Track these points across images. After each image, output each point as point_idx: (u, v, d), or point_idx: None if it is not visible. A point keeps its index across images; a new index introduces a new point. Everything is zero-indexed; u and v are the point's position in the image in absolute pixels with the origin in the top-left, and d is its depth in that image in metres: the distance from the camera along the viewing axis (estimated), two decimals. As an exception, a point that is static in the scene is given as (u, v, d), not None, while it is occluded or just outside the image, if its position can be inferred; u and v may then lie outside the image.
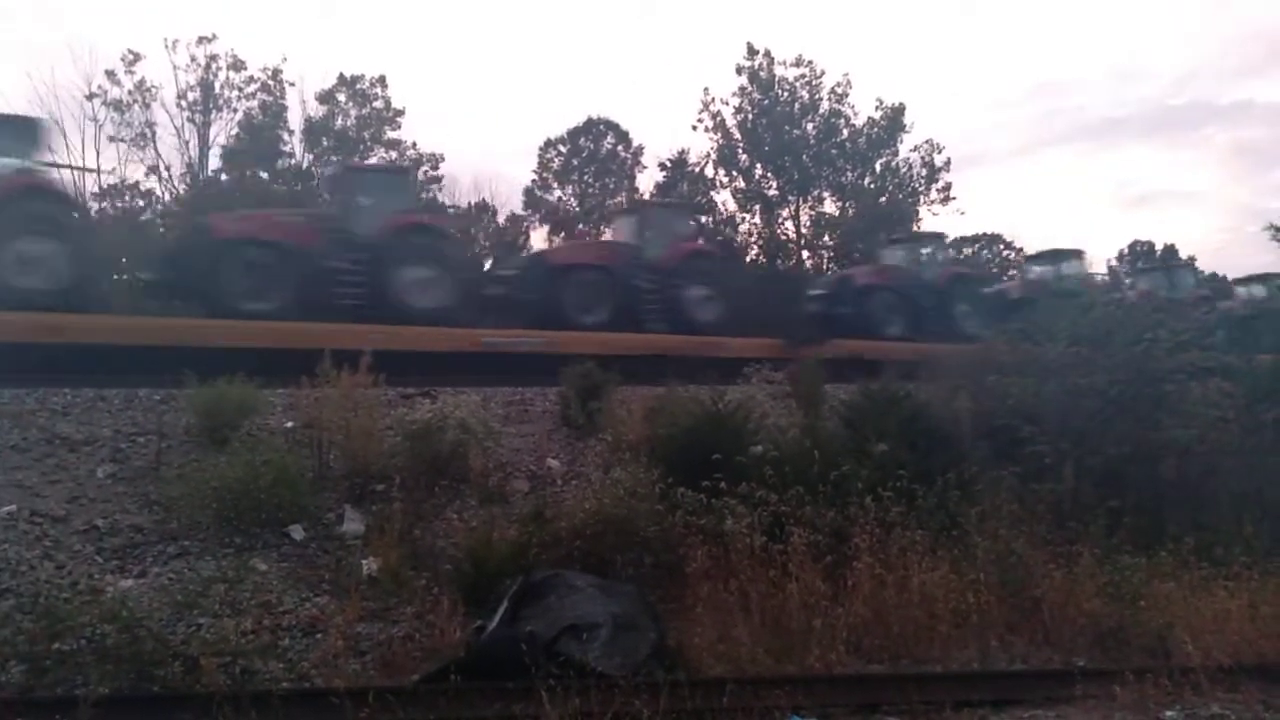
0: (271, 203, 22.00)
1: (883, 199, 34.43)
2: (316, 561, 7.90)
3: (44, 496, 8.30)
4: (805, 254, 34.56)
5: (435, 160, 32.48)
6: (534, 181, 35.77)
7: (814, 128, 34.37)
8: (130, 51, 27.71)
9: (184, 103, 28.66)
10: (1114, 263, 37.60)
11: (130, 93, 27.74)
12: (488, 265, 22.54)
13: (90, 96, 27.02)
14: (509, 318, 16.13)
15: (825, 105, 34.52)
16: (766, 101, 34.11)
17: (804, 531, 7.42)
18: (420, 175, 32.30)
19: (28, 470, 8.70)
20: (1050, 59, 70.08)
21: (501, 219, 33.94)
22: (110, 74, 27.49)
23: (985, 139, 62.74)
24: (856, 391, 10.95)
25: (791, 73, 34.51)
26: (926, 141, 35.14)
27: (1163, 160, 70.85)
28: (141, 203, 28.32)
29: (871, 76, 75.65)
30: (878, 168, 34.94)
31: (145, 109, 27.97)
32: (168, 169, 28.51)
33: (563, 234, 33.37)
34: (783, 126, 33.79)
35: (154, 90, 28.04)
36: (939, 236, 24.32)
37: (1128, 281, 26.43)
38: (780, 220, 35.16)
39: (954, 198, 35.09)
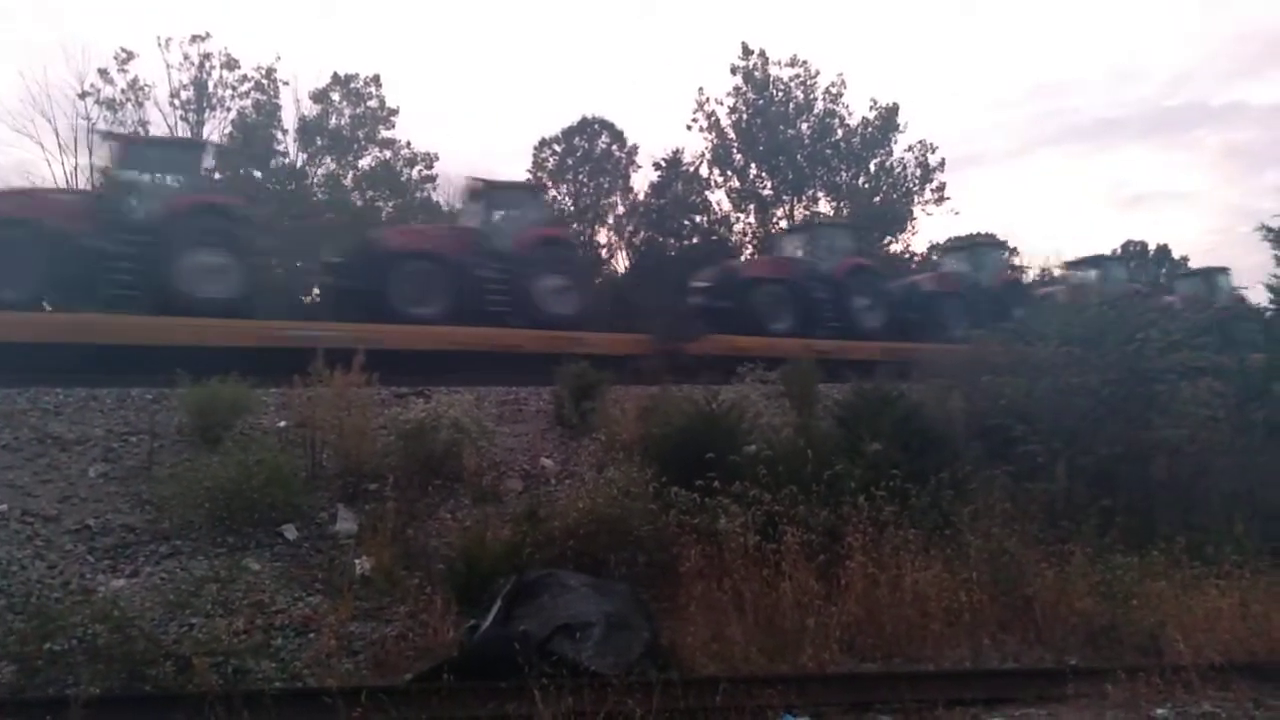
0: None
1: (877, 199, 34.51)
2: (309, 561, 7.89)
3: (35, 496, 8.28)
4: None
5: (429, 159, 32.43)
6: (528, 180, 35.74)
7: (808, 127, 34.45)
8: (123, 50, 27.67)
9: (177, 101, 28.61)
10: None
11: (123, 91, 27.68)
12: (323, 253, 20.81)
13: (83, 95, 26.96)
14: (338, 309, 15.26)
15: (820, 105, 34.61)
16: (761, 101, 34.17)
17: (797, 531, 7.43)
18: (414, 174, 32.30)
19: (19, 470, 8.67)
20: (1046, 60, 70.31)
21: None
22: (103, 72, 27.43)
23: (980, 139, 62.93)
24: (850, 391, 10.96)
25: (786, 72, 34.60)
26: (920, 142, 35.27)
27: (1157, 161, 71.17)
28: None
29: (866, 76, 75.81)
30: (872, 168, 35.03)
31: (138, 108, 27.91)
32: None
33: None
34: (777, 126, 33.85)
35: (147, 89, 27.98)
36: (847, 226, 23.21)
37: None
38: (775, 220, 35.19)
39: (948, 198, 35.24)
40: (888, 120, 34.77)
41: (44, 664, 5.82)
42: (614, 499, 7.81)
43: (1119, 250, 41.36)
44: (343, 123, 31.40)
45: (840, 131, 34.65)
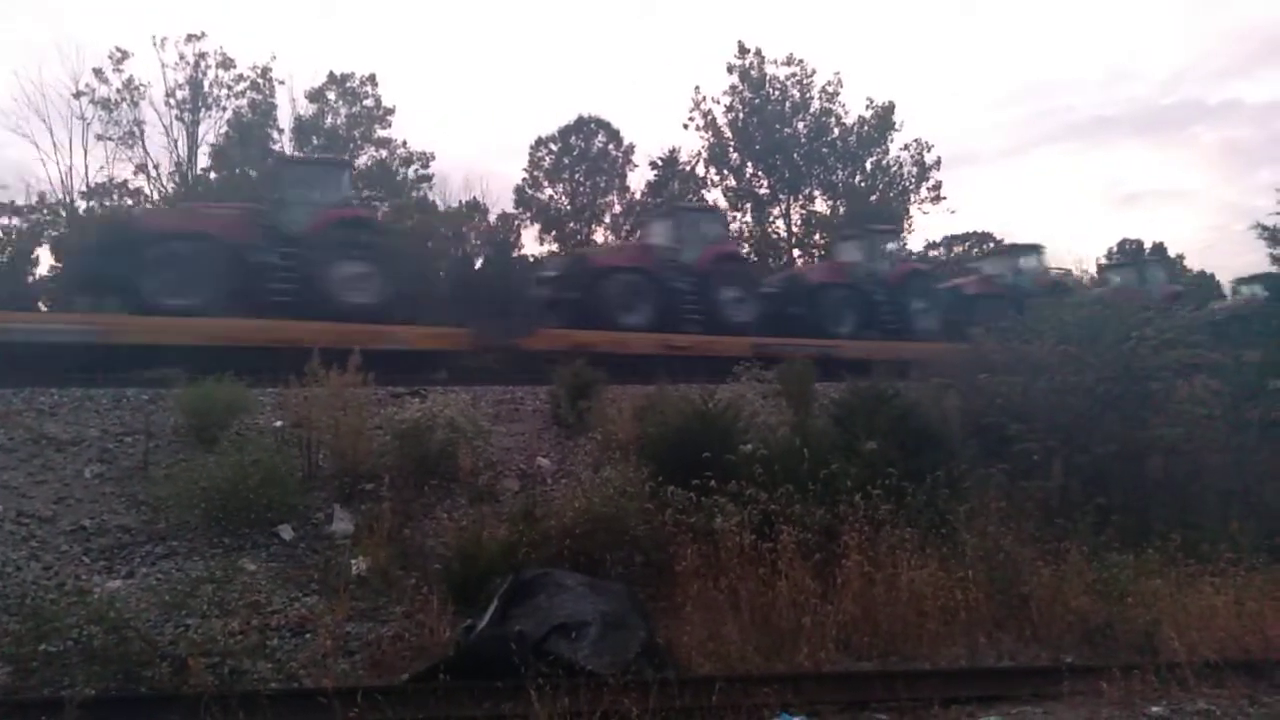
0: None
1: (873, 197, 34.56)
2: (305, 561, 7.88)
3: (31, 497, 8.26)
4: (796, 252, 34.65)
5: (426, 159, 32.45)
6: (525, 180, 35.77)
7: (805, 126, 34.52)
8: (118, 49, 27.72)
9: (172, 101, 28.62)
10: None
11: (118, 91, 27.71)
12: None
13: (78, 94, 26.98)
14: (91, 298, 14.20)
15: (816, 104, 34.69)
16: (758, 100, 34.21)
17: (793, 529, 7.43)
18: (410, 173, 32.29)
19: (14, 470, 8.65)
20: (1041, 59, 70.44)
21: (493, 217, 33.93)
22: (98, 72, 27.44)
23: (976, 138, 63.03)
24: (846, 390, 10.97)
25: (782, 71, 34.68)
26: (916, 140, 35.33)
27: (1152, 159, 71.33)
28: (130, 201, 28.20)
29: (862, 75, 75.87)
30: (868, 166, 35.11)
31: (134, 107, 27.94)
32: (156, 167, 28.42)
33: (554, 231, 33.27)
34: (774, 125, 33.90)
35: (142, 88, 28.02)
36: (714, 211, 22.21)
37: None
38: (771, 219, 35.26)
39: (944, 196, 35.33)
40: (884, 119, 34.84)
41: (39, 665, 5.80)
42: (610, 498, 7.80)
43: (1115, 249, 41.56)
44: (339, 122, 31.44)
45: (836, 130, 34.74)
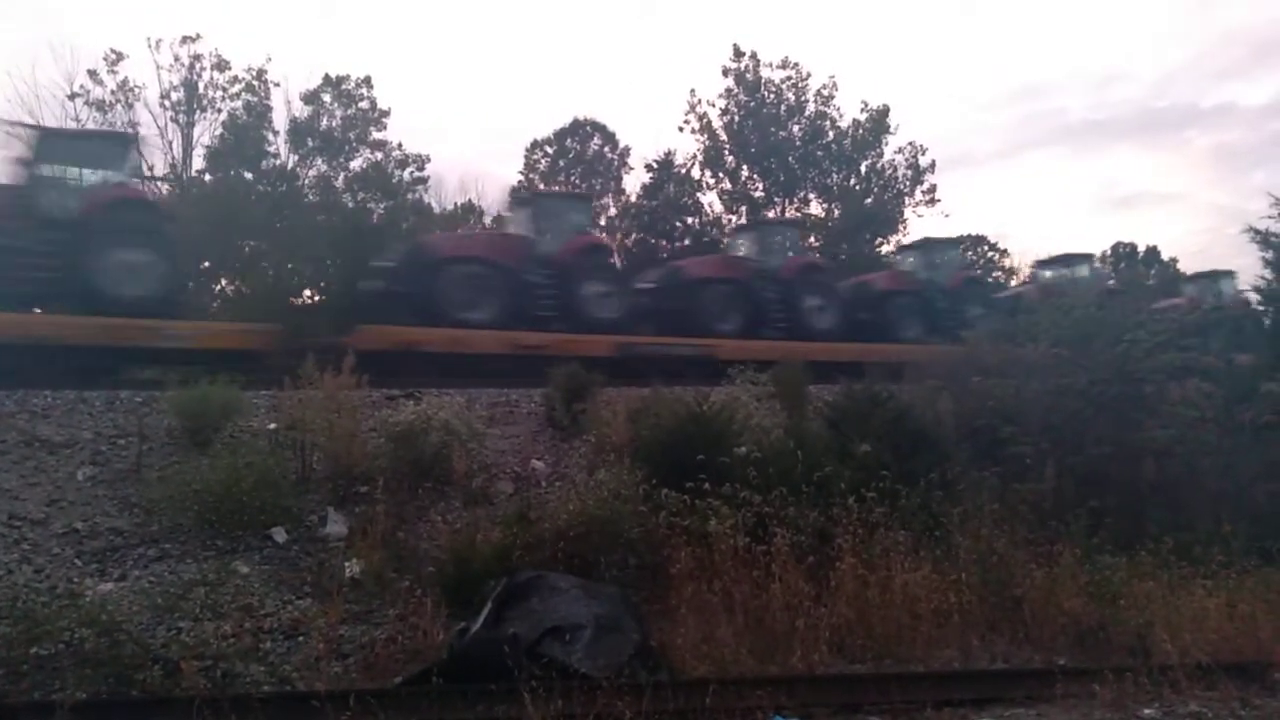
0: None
1: (868, 200, 34.59)
2: (299, 564, 7.86)
3: (22, 499, 8.23)
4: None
5: (421, 161, 32.38)
6: (520, 182, 35.74)
7: (800, 129, 34.51)
8: (113, 51, 27.51)
9: (167, 103, 28.46)
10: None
11: (113, 92, 27.51)
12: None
13: (72, 96, 26.80)
14: None
15: (811, 107, 34.68)
16: (753, 103, 34.21)
17: (787, 532, 7.43)
18: (406, 176, 32.23)
19: (6, 473, 8.62)
20: (1034, 62, 70.66)
21: (488, 220, 33.91)
22: (93, 73, 27.27)
23: (970, 141, 63.19)
24: (840, 393, 10.99)
25: (778, 74, 34.66)
26: (911, 143, 35.37)
27: (1145, 162, 71.59)
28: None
29: (857, 79, 76.08)
30: (863, 169, 35.11)
31: (128, 109, 27.74)
32: (151, 169, 28.29)
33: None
34: (769, 128, 33.90)
35: (137, 90, 27.83)
36: (579, 197, 20.83)
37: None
38: (767, 221, 35.24)
39: (939, 199, 35.35)
40: (878, 122, 34.86)
41: (31, 668, 5.78)
42: (604, 501, 7.81)
43: (1109, 251, 41.65)
44: (334, 124, 31.31)
45: (831, 133, 34.73)
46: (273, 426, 10.01)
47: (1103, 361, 10.78)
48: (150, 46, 28.38)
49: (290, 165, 30.28)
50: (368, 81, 31.62)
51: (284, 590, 7.36)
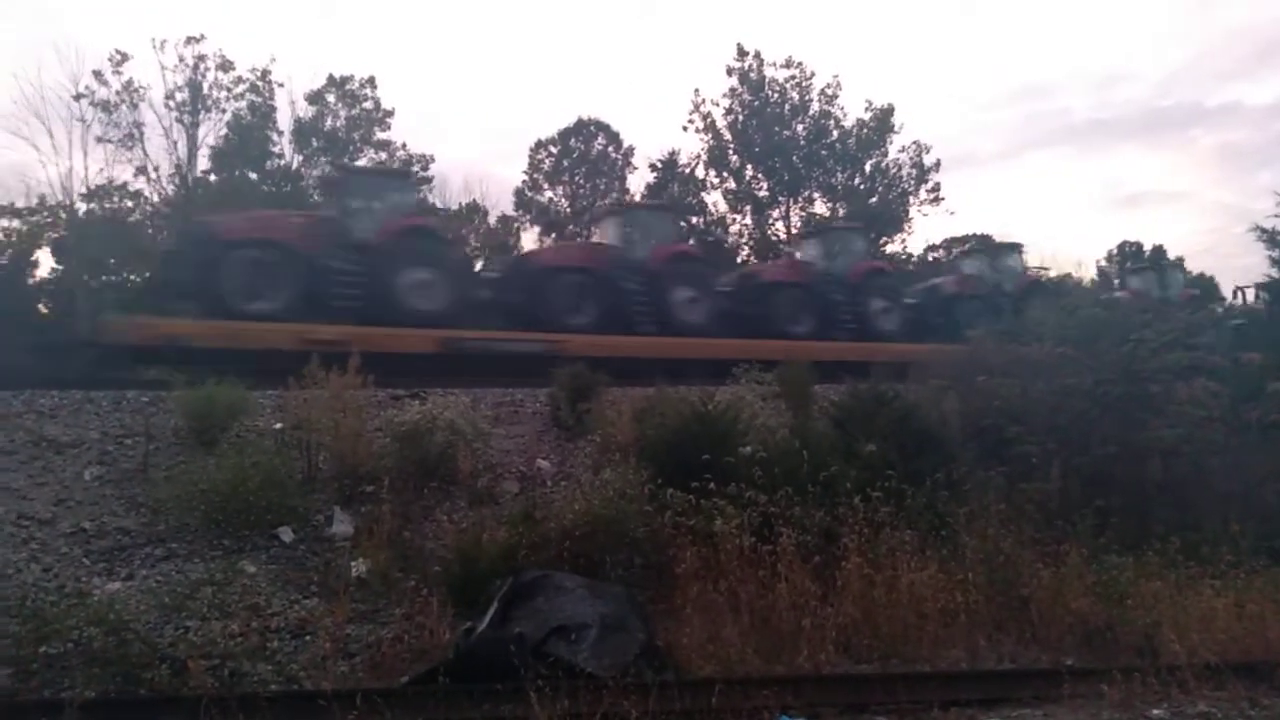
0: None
1: (872, 199, 34.57)
2: (305, 563, 7.87)
3: (31, 499, 8.26)
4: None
5: (425, 161, 32.43)
6: (525, 182, 35.79)
7: (804, 129, 34.52)
8: (118, 52, 27.60)
9: (172, 103, 28.54)
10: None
11: (118, 93, 27.60)
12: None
13: (78, 97, 26.86)
14: None
15: (815, 106, 34.70)
16: (757, 102, 34.22)
17: (793, 532, 7.43)
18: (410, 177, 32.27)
19: (14, 473, 8.65)
20: (1039, 61, 70.50)
21: (492, 220, 33.94)
22: (98, 74, 27.35)
23: (975, 140, 63.07)
24: (846, 392, 10.98)
25: (782, 74, 34.68)
26: (915, 143, 35.35)
27: (1150, 161, 71.40)
28: (130, 204, 28.19)
29: (861, 78, 75.99)
30: (867, 168, 35.10)
31: (133, 109, 27.82)
32: (155, 170, 28.37)
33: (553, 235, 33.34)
34: (773, 127, 33.90)
35: (142, 91, 27.92)
36: (401, 176, 19.93)
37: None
38: (771, 221, 35.26)
39: (943, 198, 35.32)
40: (883, 121, 34.86)
41: (39, 667, 5.80)
42: (610, 501, 7.80)
43: (1115, 250, 41.54)
44: (338, 124, 31.42)
45: (836, 133, 34.75)
46: (279, 426, 10.03)
47: (1109, 361, 10.75)
48: (155, 47, 28.50)
49: (295, 165, 30.37)
50: (372, 82, 31.74)
51: (290, 590, 7.37)
